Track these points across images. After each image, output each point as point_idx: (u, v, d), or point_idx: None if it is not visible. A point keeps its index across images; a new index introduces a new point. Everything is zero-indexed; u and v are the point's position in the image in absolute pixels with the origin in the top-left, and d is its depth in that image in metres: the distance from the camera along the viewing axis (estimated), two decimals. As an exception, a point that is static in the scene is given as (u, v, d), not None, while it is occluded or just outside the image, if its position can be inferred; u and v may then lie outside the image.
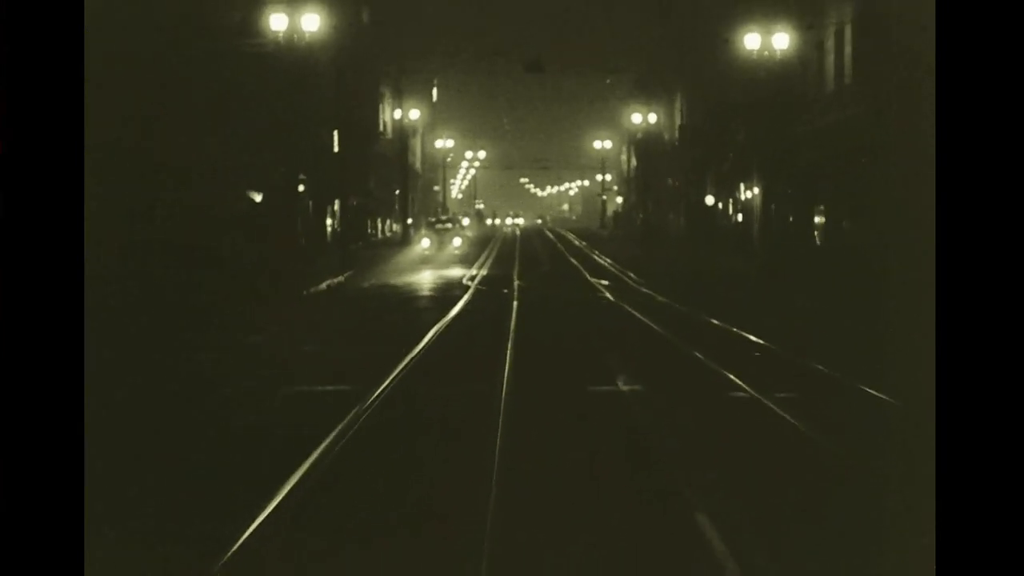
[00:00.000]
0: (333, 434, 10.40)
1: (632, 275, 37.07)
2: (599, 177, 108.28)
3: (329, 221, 53.07)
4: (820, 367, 14.64)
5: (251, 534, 7.35)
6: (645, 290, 30.22)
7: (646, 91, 67.72)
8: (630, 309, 24.12)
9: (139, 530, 7.72)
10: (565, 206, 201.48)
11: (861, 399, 12.29)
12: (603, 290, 30.73)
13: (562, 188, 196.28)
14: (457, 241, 62.35)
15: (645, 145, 69.26)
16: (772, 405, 11.88)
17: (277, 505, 8.02)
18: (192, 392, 13.57)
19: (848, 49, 36.14)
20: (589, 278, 36.48)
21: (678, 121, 65.56)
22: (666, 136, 68.73)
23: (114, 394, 12.84)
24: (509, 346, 17.34)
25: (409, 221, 68.79)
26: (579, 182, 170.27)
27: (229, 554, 6.99)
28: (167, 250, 30.46)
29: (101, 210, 25.61)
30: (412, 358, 16.00)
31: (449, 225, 76.54)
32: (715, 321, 20.88)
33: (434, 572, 6.88)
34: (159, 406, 12.64)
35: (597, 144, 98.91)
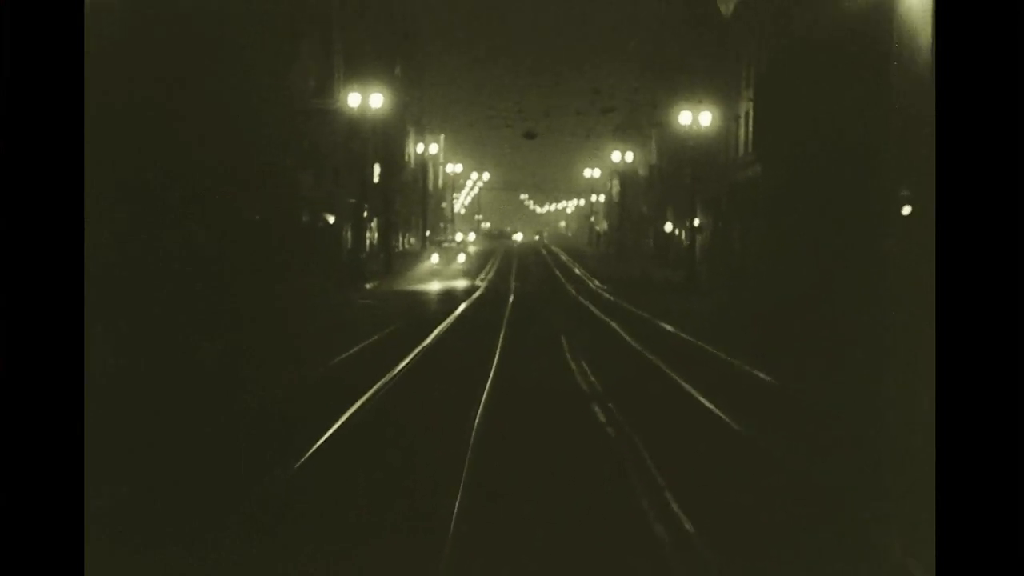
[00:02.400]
0: (448, 322, 26.70)
1: (597, 281, 53.59)
2: (593, 198, 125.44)
3: (367, 235, 69.54)
4: (653, 318, 30.95)
5: (465, 310, 23.60)
6: (597, 290, 46.73)
7: (625, 137, 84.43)
8: (581, 298, 40.62)
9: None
10: (562, 223, 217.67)
11: (665, 332, 28.45)
12: (571, 290, 47.18)
13: (559, 206, 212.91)
14: (462, 257, 77.24)
15: (623, 180, 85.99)
16: (623, 333, 28.13)
17: (444, 328, 24.23)
18: (367, 320, 29.89)
19: (750, 127, 52.63)
20: (565, 283, 53.02)
21: (651, 160, 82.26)
22: (641, 172, 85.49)
23: (304, 325, 29.17)
24: (508, 308, 33.73)
25: (427, 234, 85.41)
26: (575, 201, 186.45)
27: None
28: (274, 251, 46.87)
29: (236, 225, 42.06)
30: (462, 310, 32.49)
31: (455, 244, 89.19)
32: (624, 303, 37.28)
33: (495, 311, 23.19)
34: (350, 328, 28.90)
35: (587, 173, 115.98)
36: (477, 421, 14.00)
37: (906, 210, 31.39)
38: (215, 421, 14.04)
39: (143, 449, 12.14)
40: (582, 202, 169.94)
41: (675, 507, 9.84)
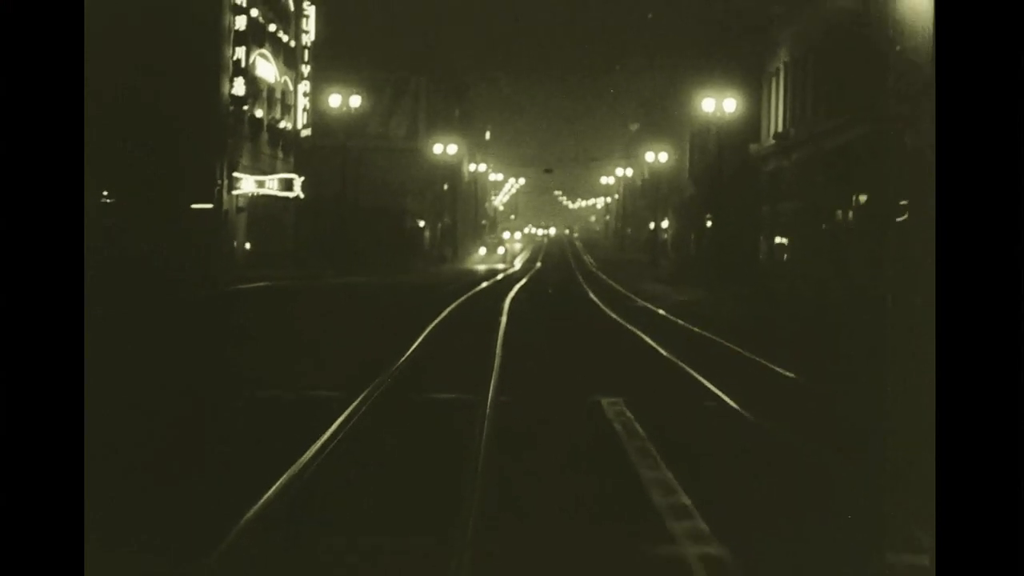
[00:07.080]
0: (503, 274, 59.34)
1: (593, 262, 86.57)
2: (616, 195, 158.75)
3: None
4: (602, 275, 63.39)
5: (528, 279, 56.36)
6: (591, 268, 79.68)
7: (626, 155, 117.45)
8: (576, 273, 73.41)
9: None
10: (592, 218, 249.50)
11: (600, 278, 60.79)
12: (573, 269, 79.99)
13: (590, 202, 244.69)
14: (501, 249, 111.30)
15: (626, 188, 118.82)
16: (580, 278, 60.58)
17: (502, 276, 56.84)
18: (451, 276, 62.68)
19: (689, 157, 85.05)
20: (572, 264, 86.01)
21: (644, 175, 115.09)
22: (638, 183, 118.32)
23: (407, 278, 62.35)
24: (530, 273, 66.58)
25: (475, 230, 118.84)
26: (603, 198, 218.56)
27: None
28: (399, 243, 79.79)
29: (373, 243, 75.29)
30: (505, 275, 65.39)
31: (496, 240, 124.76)
32: (597, 272, 69.88)
33: (526, 271, 56.05)
34: (442, 278, 61.69)
35: (603, 180, 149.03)
36: (521, 284, 46.84)
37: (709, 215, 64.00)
38: (415, 302, 46.78)
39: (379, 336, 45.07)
40: (609, 199, 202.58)
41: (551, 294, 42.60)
